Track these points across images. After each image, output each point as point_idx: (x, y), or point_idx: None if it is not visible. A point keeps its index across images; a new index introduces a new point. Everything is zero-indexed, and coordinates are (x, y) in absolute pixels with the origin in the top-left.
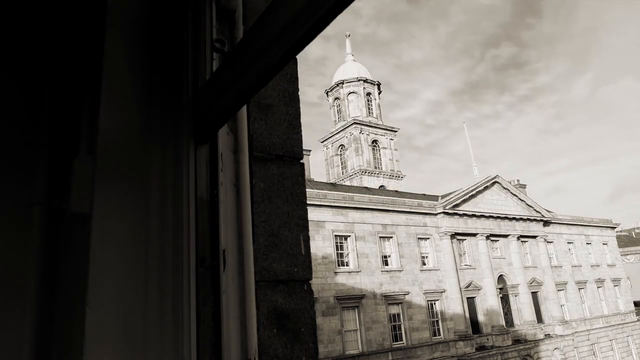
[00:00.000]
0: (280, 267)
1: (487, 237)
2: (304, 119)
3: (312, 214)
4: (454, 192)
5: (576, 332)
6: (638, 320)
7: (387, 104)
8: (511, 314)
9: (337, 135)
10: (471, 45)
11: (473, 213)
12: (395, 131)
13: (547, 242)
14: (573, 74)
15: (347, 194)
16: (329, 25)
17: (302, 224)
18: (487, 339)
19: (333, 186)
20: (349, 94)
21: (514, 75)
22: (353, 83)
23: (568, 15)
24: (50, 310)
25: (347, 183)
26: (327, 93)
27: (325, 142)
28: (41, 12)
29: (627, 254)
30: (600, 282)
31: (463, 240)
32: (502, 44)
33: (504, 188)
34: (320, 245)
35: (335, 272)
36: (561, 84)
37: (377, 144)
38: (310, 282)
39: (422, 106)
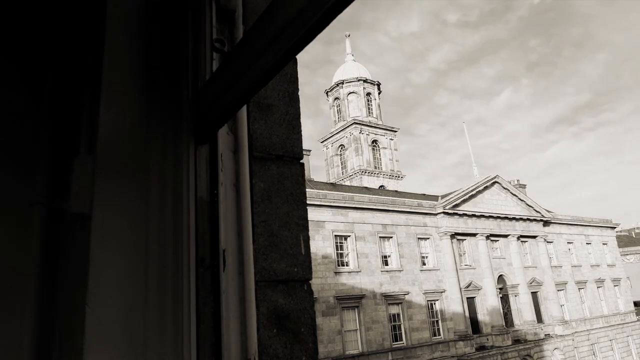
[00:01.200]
0: (280, 267)
1: (487, 237)
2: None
3: (312, 214)
4: (454, 192)
5: (576, 332)
6: (638, 320)
7: None
8: (511, 314)
9: (337, 135)
10: None
11: (473, 213)
12: (395, 131)
13: (547, 242)
14: None
15: (347, 194)
16: (328, 26)
17: (302, 224)
18: (487, 339)
19: (333, 186)
20: (348, 94)
21: None
22: (353, 83)
23: None
24: (50, 310)
25: (347, 183)
26: (327, 93)
27: (325, 142)
28: (41, 13)
29: (627, 254)
30: (600, 282)
31: (463, 240)
32: None
33: (504, 188)
34: (320, 245)
35: (335, 272)
36: None
37: (377, 144)
38: (310, 282)
39: None
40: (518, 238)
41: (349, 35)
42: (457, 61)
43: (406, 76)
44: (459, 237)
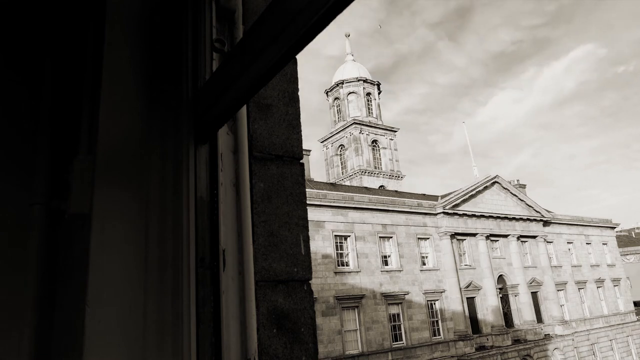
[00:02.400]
0: (280, 267)
1: (487, 237)
2: None
3: (312, 214)
4: (454, 192)
5: (576, 332)
6: (638, 320)
7: None
8: (511, 314)
9: (336, 135)
10: None
11: (473, 213)
12: (395, 131)
13: (547, 242)
14: None
15: (347, 194)
16: (328, 25)
17: (302, 224)
18: (487, 339)
19: (333, 186)
20: (348, 94)
21: None
22: (353, 83)
23: None
24: (50, 310)
25: (347, 183)
26: (327, 93)
27: (325, 142)
28: (42, 12)
29: (627, 254)
30: (600, 282)
31: (463, 240)
32: None
33: (504, 188)
34: (320, 245)
35: (335, 272)
36: None
37: (377, 144)
38: (310, 282)
39: None
40: (518, 238)
41: (349, 35)
42: None
43: None
44: (458, 237)
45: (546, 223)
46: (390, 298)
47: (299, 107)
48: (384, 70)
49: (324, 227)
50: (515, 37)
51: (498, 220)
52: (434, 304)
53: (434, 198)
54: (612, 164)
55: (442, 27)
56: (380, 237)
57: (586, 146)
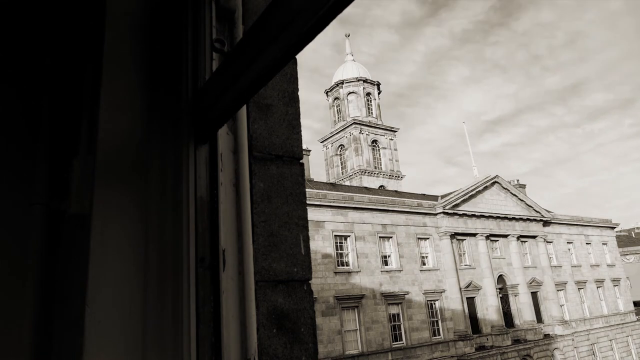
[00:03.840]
0: (280, 267)
1: (487, 237)
2: None
3: (312, 214)
4: (454, 192)
5: (576, 332)
6: (638, 320)
7: None
8: (511, 314)
9: (336, 135)
10: None
11: (473, 213)
12: (395, 131)
13: (547, 242)
14: None
15: (346, 194)
16: (328, 25)
17: (302, 224)
18: (487, 339)
19: (333, 186)
20: (348, 94)
21: None
22: (353, 83)
23: None
24: (50, 311)
25: (347, 183)
26: (326, 93)
27: (325, 142)
28: (42, 13)
29: (627, 254)
30: (599, 282)
31: (463, 240)
32: None
33: (504, 188)
34: (320, 245)
35: (335, 272)
36: None
37: (376, 144)
38: (310, 282)
39: None
40: (518, 238)
41: (348, 36)
42: None
43: None
44: (458, 237)
45: (546, 223)
46: (390, 298)
47: (299, 107)
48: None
49: (324, 227)
50: None
51: (498, 220)
52: (434, 304)
53: (434, 198)
54: None
55: None
56: (380, 237)
57: None
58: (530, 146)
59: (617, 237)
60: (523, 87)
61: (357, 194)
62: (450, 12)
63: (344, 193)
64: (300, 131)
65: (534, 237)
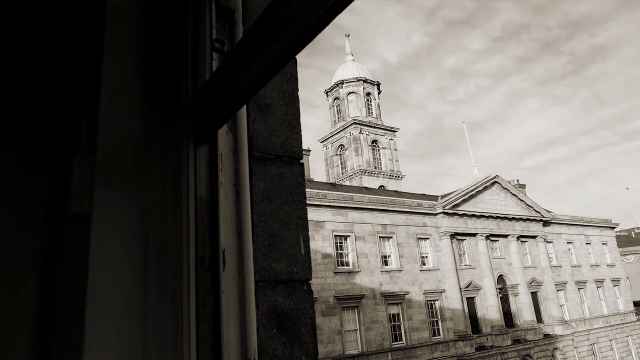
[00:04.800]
0: (279, 267)
1: (487, 237)
2: None
3: (312, 214)
4: (454, 192)
5: (576, 332)
6: (637, 320)
7: None
8: (511, 314)
9: (336, 135)
10: None
11: (473, 213)
12: (395, 131)
13: (547, 242)
14: None
15: (346, 194)
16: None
17: (302, 224)
18: (487, 339)
19: (333, 186)
20: (348, 94)
21: None
22: (352, 83)
23: None
24: (50, 310)
25: (347, 183)
26: (326, 93)
27: (325, 142)
28: (43, 12)
29: (627, 254)
30: (599, 282)
31: (463, 240)
32: None
33: (504, 188)
34: (320, 245)
35: (335, 272)
36: None
37: (376, 144)
38: (309, 282)
39: None
40: (518, 238)
41: (348, 36)
42: None
43: None
44: (458, 237)
45: (546, 223)
46: (390, 298)
47: (298, 107)
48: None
49: (323, 227)
50: None
51: (498, 220)
52: (434, 303)
53: (434, 198)
54: None
55: None
56: (380, 237)
57: None
58: (571, 161)
59: (617, 237)
60: (580, 117)
61: (357, 194)
62: (535, 65)
63: (344, 193)
64: (300, 131)
65: (534, 237)
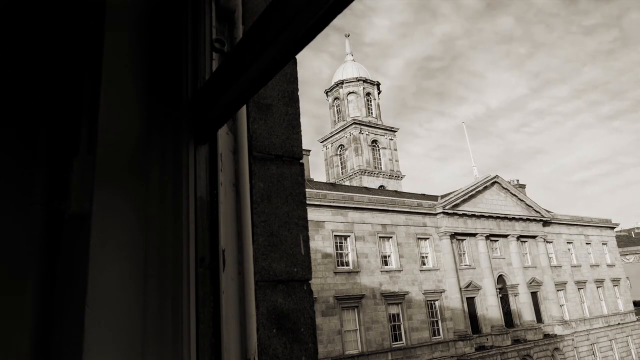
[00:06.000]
0: (279, 267)
1: (487, 237)
2: None
3: (312, 214)
4: (454, 192)
5: (576, 332)
6: (637, 320)
7: None
8: (511, 314)
9: (336, 135)
10: None
11: (473, 213)
12: (395, 131)
13: (547, 242)
14: None
15: (346, 194)
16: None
17: (302, 224)
18: (487, 339)
19: (332, 186)
20: (348, 94)
21: None
22: (352, 83)
23: None
24: (50, 311)
25: (347, 183)
26: (326, 93)
27: (325, 142)
28: (43, 12)
29: (627, 254)
30: (599, 282)
31: (463, 240)
32: None
33: (504, 188)
34: (319, 245)
35: (335, 272)
36: None
37: (376, 144)
38: (309, 282)
39: None
40: (518, 238)
41: (348, 36)
42: None
43: None
44: (458, 237)
45: (546, 223)
46: (390, 298)
47: (298, 107)
48: None
49: (323, 227)
50: None
51: (498, 220)
52: (434, 303)
53: (434, 198)
54: None
55: None
56: (380, 237)
57: None
58: (612, 177)
59: (617, 237)
60: (631, 143)
61: (357, 194)
62: (603, 105)
63: (343, 193)
64: (300, 131)
65: (533, 237)
